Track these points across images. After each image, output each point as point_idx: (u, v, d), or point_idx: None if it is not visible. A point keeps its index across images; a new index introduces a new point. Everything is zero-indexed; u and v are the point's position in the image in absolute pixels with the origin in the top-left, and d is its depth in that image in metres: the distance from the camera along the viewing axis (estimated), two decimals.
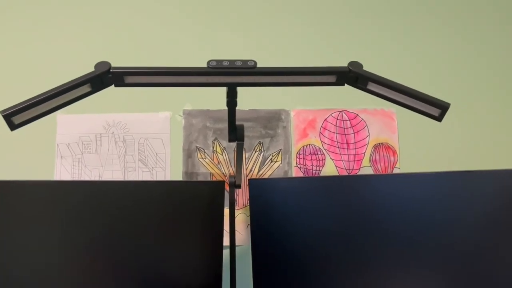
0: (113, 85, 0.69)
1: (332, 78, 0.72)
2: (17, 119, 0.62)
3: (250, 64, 0.68)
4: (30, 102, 0.61)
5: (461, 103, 1.33)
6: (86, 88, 0.66)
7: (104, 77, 0.66)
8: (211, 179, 1.11)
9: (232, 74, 0.68)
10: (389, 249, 0.93)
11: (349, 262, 0.93)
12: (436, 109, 0.68)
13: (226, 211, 1.00)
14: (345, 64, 0.73)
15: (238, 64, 0.67)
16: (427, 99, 0.67)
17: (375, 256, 0.93)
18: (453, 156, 1.28)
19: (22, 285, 0.86)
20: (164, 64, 0.72)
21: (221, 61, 0.68)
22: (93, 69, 0.68)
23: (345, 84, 0.73)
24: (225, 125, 1.13)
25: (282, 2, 1.41)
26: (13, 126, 0.62)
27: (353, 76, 0.70)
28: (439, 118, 0.69)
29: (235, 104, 0.74)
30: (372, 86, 0.70)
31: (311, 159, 1.13)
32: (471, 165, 1.01)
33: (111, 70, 0.66)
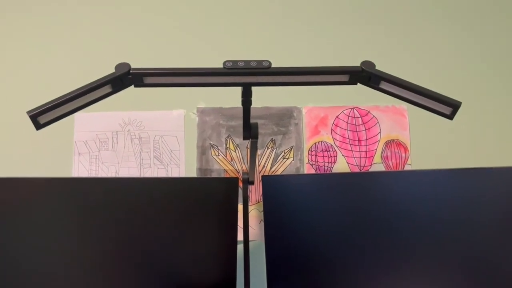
0: (132, 86, 0.71)
1: (345, 77, 0.73)
2: (42, 119, 0.64)
3: (265, 64, 0.69)
4: (54, 103, 0.64)
5: (473, 100, 1.34)
6: (107, 89, 0.68)
7: (124, 78, 0.68)
8: (225, 176, 1.13)
9: (247, 74, 0.70)
10: (401, 245, 0.95)
11: (362, 258, 0.95)
12: (448, 107, 0.69)
13: (240, 207, 1.02)
14: (356, 64, 0.74)
15: (253, 64, 0.69)
16: (438, 97, 0.68)
17: (388, 249, 0.95)
18: (464, 153, 1.29)
19: (40, 279, 0.89)
20: (180, 65, 0.74)
21: (237, 61, 0.69)
22: (110, 71, 0.70)
23: (358, 83, 0.74)
24: (237, 123, 1.15)
25: (294, 5, 1.42)
26: (38, 126, 0.65)
27: (366, 75, 0.71)
28: (450, 117, 0.70)
29: (250, 103, 0.76)
30: (384, 85, 0.71)
31: (323, 156, 1.15)
32: (483, 162, 1.01)
33: (131, 71, 0.68)
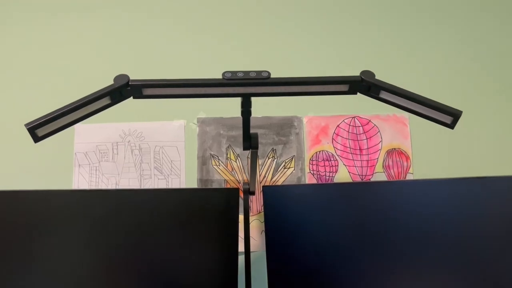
0: (131, 97, 0.71)
1: (344, 87, 0.73)
2: (40, 132, 0.64)
3: (264, 74, 0.69)
4: (53, 115, 0.63)
5: (475, 108, 1.33)
6: (105, 101, 0.68)
7: (123, 90, 0.68)
8: (225, 186, 1.12)
9: (246, 85, 0.70)
10: (403, 254, 0.94)
11: (363, 268, 0.94)
12: (449, 117, 0.69)
13: (241, 217, 1.01)
14: (356, 73, 0.74)
15: (253, 75, 0.69)
16: (439, 107, 0.68)
17: (390, 260, 0.94)
18: (466, 161, 1.28)
19: None
20: (179, 76, 0.74)
21: (236, 72, 0.69)
22: (110, 82, 0.70)
23: (358, 93, 0.74)
24: (238, 133, 1.15)
25: (293, 14, 1.42)
26: (36, 138, 0.64)
27: (365, 85, 0.71)
28: (451, 126, 0.70)
29: (250, 114, 0.76)
30: (384, 95, 0.71)
31: (324, 165, 1.14)
32: (484, 171, 1.01)
33: (129, 83, 0.68)
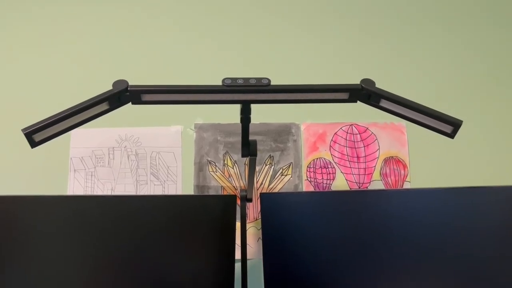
0: (129, 103, 0.70)
1: (345, 95, 0.72)
2: (37, 137, 0.63)
3: (264, 82, 0.69)
4: (50, 120, 0.62)
5: (473, 117, 1.33)
6: (104, 106, 0.67)
7: (121, 95, 0.67)
8: (222, 193, 1.11)
9: (246, 92, 0.69)
10: (400, 262, 0.93)
11: (361, 276, 0.93)
12: (449, 126, 0.69)
13: (238, 224, 1.00)
14: (356, 81, 0.74)
15: (252, 82, 0.69)
16: (439, 116, 0.68)
17: (387, 269, 0.93)
18: (464, 171, 1.28)
19: None
20: (178, 82, 0.73)
21: (236, 79, 0.69)
22: (109, 87, 0.70)
23: (358, 101, 0.74)
24: (235, 139, 1.14)
25: (295, 21, 1.43)
26: (33, 144, 0.63)
27: (365, 93, 0.71)
28: (451, 135, 0.70)
29: (249, 121, 0.75)
30: (384, 103, 0.71)
31: (322, 173, 1.14)
32: (482, 180, 1.01)
33: (128, 89, 0.68)
